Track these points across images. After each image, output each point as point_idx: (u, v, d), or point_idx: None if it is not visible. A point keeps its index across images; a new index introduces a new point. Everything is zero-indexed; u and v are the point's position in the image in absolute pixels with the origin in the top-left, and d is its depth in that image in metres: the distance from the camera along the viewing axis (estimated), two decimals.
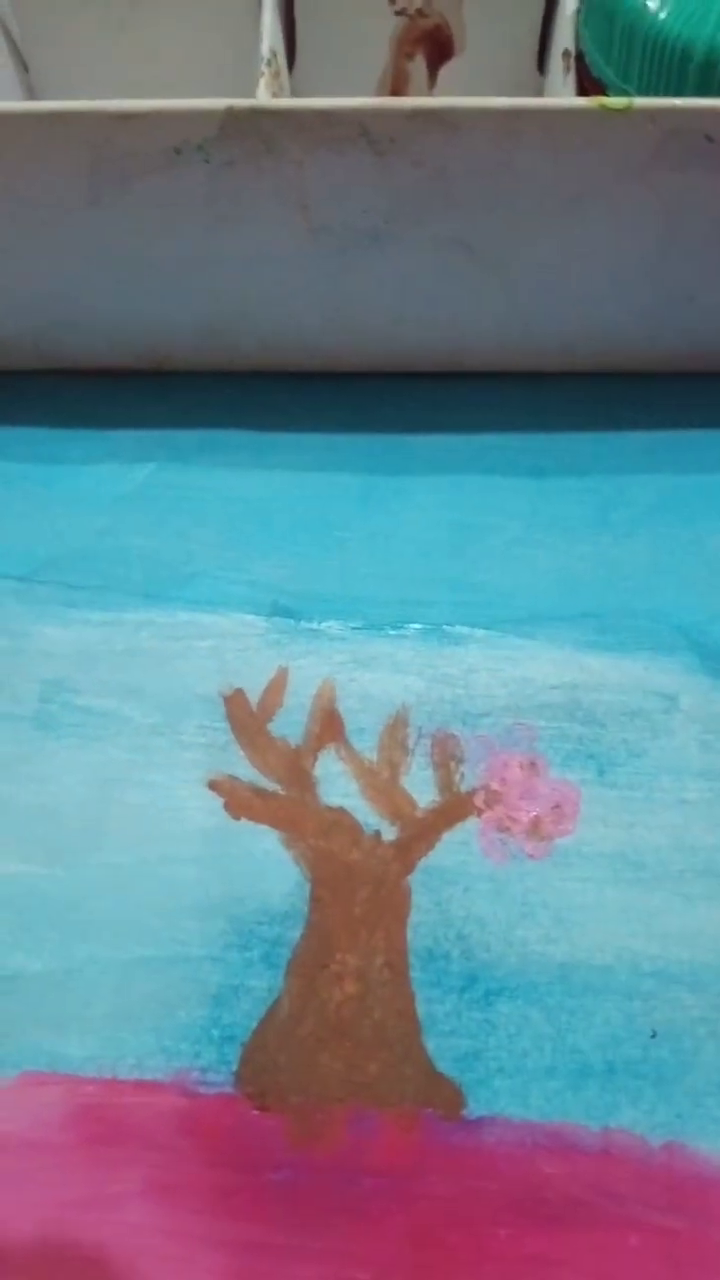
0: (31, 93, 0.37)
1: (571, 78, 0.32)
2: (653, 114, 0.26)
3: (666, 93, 0.28)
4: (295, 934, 0.26)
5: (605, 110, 0.26)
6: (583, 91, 0.31)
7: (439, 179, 0.27)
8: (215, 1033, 0.25)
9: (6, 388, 0.34)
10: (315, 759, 0.28)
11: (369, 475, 0.33)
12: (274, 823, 0.27)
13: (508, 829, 0.27)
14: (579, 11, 0.32)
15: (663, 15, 0.28)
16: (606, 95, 0.30)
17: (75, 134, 0.26)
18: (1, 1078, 0.24)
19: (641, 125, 0.26)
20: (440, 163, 0.27)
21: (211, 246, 0.29)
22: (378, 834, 0.27)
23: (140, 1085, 0.24)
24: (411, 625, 0.30)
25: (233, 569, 0.31)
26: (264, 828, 0.27)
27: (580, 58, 0.31)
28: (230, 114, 0.26)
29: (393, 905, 0.26)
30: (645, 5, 0.28)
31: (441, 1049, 0.25)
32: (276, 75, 0.31)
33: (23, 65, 0.36)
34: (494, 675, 0.29)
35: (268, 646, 0.30)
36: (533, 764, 0.28)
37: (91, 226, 0.28)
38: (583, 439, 0.33)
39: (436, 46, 0.35)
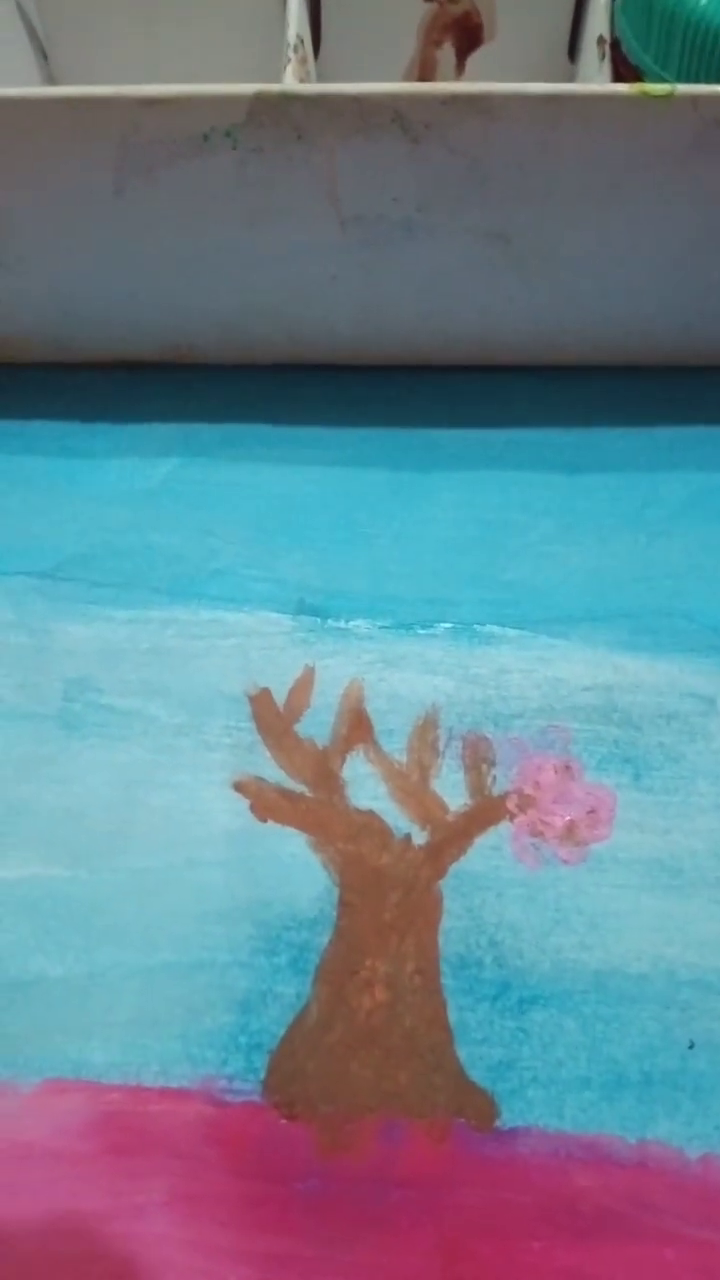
0: (52, 81, 0.36)
1: (607, 65, 0.31)
2: (695, 101, 0.25)
3: (707, 80, 0.28)
4: (324, 939, 0.26)
5: (647, 97, 0.25)
6: (619, 79, 0.31)
7: (474, 167, 0.26)
8: (242, 1040, 0.25)
9: (29, 380, 0.34)
10: (343, 760, 0.28)
11: (397, 471, 0.32)
12: (301, 825, 0.27)
13: (541, 833, 0.27)
14: None
15: (703, 2, 0.27)
16: (644, 83, 0.29)
17: (101, 120, 0.26)
18: (24, 1084, 0.24)
19: (683, 113, 0.25)
20: (476, 151, 0.26)
21: (238, 236, 0.29)
22: (408, 838, 0.27)
23: (165, 1093, 0.24)
24: (441, 624, 0.30)
25: (258, 566, 0.31)
26: (291, 830, 0.27)
27: (616, 45, 0.31)
28: (259, 99, 0.25)
29: (423, 910, 0.26)
30: None
31: (474, 1058, 0.24)
32: (303, 62, 0.31)
33: (43, 54, 0.36)
34: (526, 676, 0.29)
35: (294, 645, 0.30)
36: (567, 767, 0.27)
37: (117, 216, 0.28)
38: (616, 435, 0.33)
39: (465, 34, 0.34)
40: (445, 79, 0.35)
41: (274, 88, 0.25)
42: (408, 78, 0.35)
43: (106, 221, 0.28)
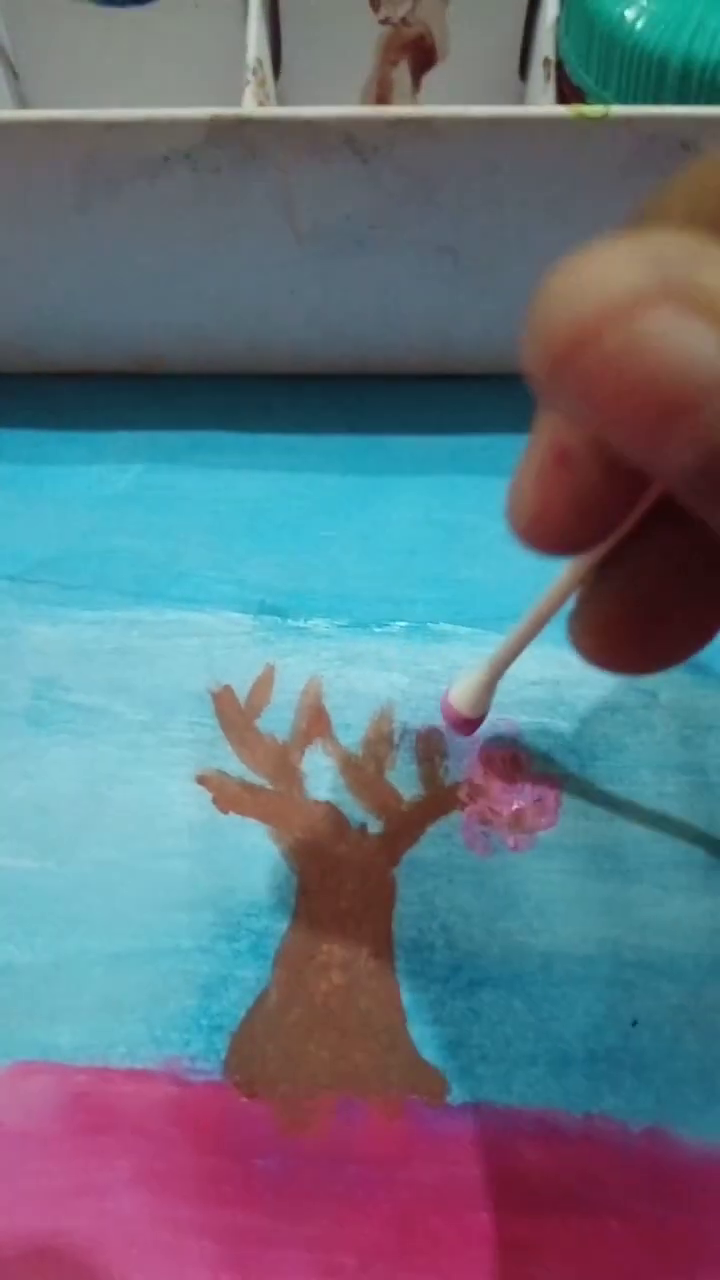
0: (22, 100, 0.37)
1: (552, 85, 0.32)
2: (629, 121, 0.26)
3: (645, 100, 0.29)
4: (283, 926, 0.26)
5: (583, 118, 0.26)
6: (563, 98, 0.32)
7: (422, 185, 0.27)
8: (204, 1022, 0.25)
9: None
10: (302, 754, 0.29)
11: (355, 476, 0.33)
12: (262, 817, 0.28)
13: (490, 822, 0.28)
14: (559, 20, 0.33)
15: (640, 25, 0.28)
16: (586, 102, 0.31)
17: (64, 142, 0.26)
18: None
19: (618, 132, 0.26)
20: (423, 170, 0.27)
21: (199, 252, 0.30)
22: (364, 827, 0.28)
23: (131, 1074, 0.25)
24: (397, 623, 0.31)
25: (221, 568, 0.32)
26: (252, 822, 0.28)
27: (560, 65, 0.32)
28: (215, 123, 0.26)
29: (378, 897, 0.27)
30: (623, 15, 0.29)
31: (425, 1037, 0.25)
32: (262, 84, 0.32)
33: (13, 73, 0.36)
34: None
35: (255, 644, 0.30)
36: (515, 758, 0.28)
37: (80, 232, 0.29)
38: None
39: (420, 54, 0.35)
40: (402, 97, 0.36)
41: (229, 112, 0.26)
42: (366, 96, 0.37)
43: (72, 238, 0.29)
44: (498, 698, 0.26)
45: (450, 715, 0.26)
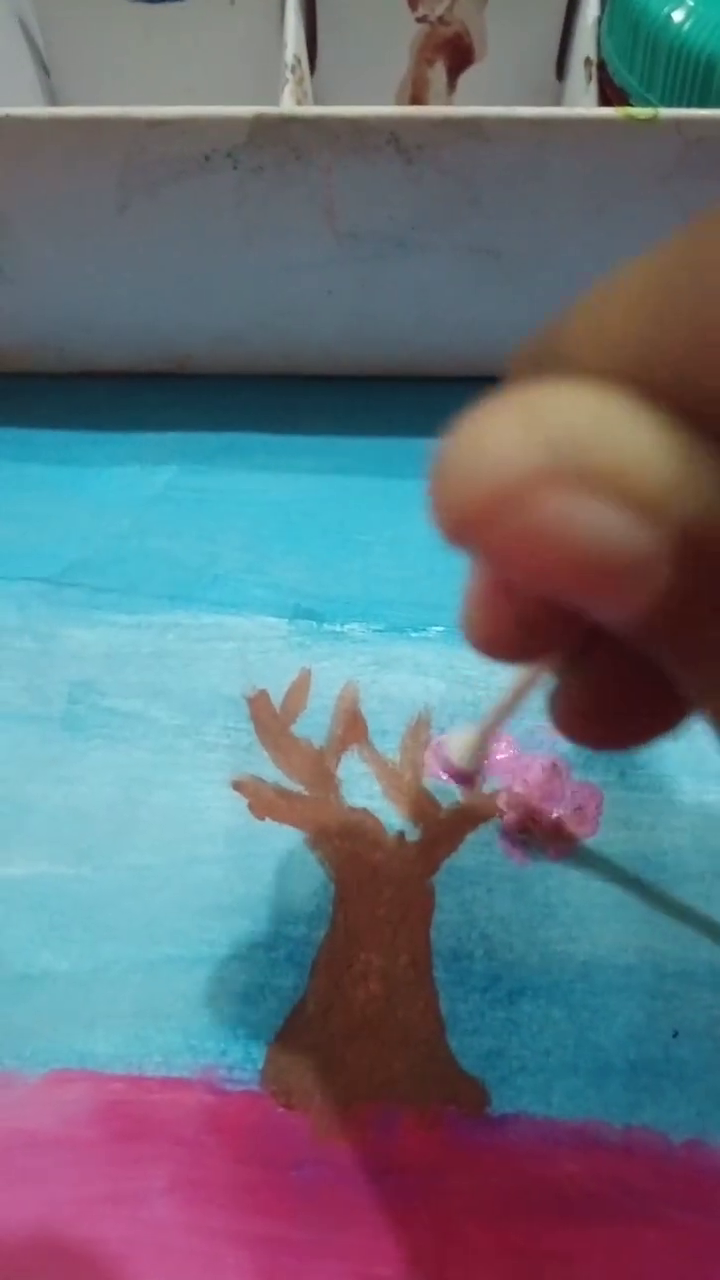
0: (53, 97, 0.37)
1: (594, 86, 0.32)
2: (678, 124, 0.26)
3: (690, 102, 0.29)
4: (320, 934, 0.26)
5: (631, 120, 0.26)
6: (605, 99, 0.32)
7: (466, 187, 0.27)
8: (241, 1031, 0.25)
9: (32, 390, 0.35)
10: (338, 760, 0.28)
11: (390, 479, 0.33)
12: (298, 823, 0.28)
13: (530, 830, 0.27)
14: (600, 20, 0.32)
15: (687, 26, 0.28)
16: (629, 103, 0.30)
17: (107, 140, 0.26)
18: (30, 1074, 0.25)
19: (666, 135, 0.26)
20: (468, 171, 0.27)
21: (238, 252, 0.29)
22: (401, 835, 0.27)
23: (167, 1082, 0.25)
24: (433, 628, 0.30)
25: (255, 571, 0.31)
26: (288, 828, 0.28)
27: (602, 66, 0.32)
28: (259, 122, 0.26)
29: (416, 905, 0.26)
30: (669, 16, 0.28)
31: (465, 1047, 0.25)
32: (300, 82, 0.31)
33: (45, 69, 0.36)
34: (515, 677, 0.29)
35: (290, 649, 0.30)
36: (554, 766, 0.28)
37: (118, 231, 0.29)
38: None
39: (457, 53, 0.35)
40: (438, 96, 0.36)
41: (274, 111, 0.26)
42: (401, 95, 0.36)
43: (109, 237, 0.29)
44: (537, 704, 0.26)
45: (447, 768, 0.26)
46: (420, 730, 0.29)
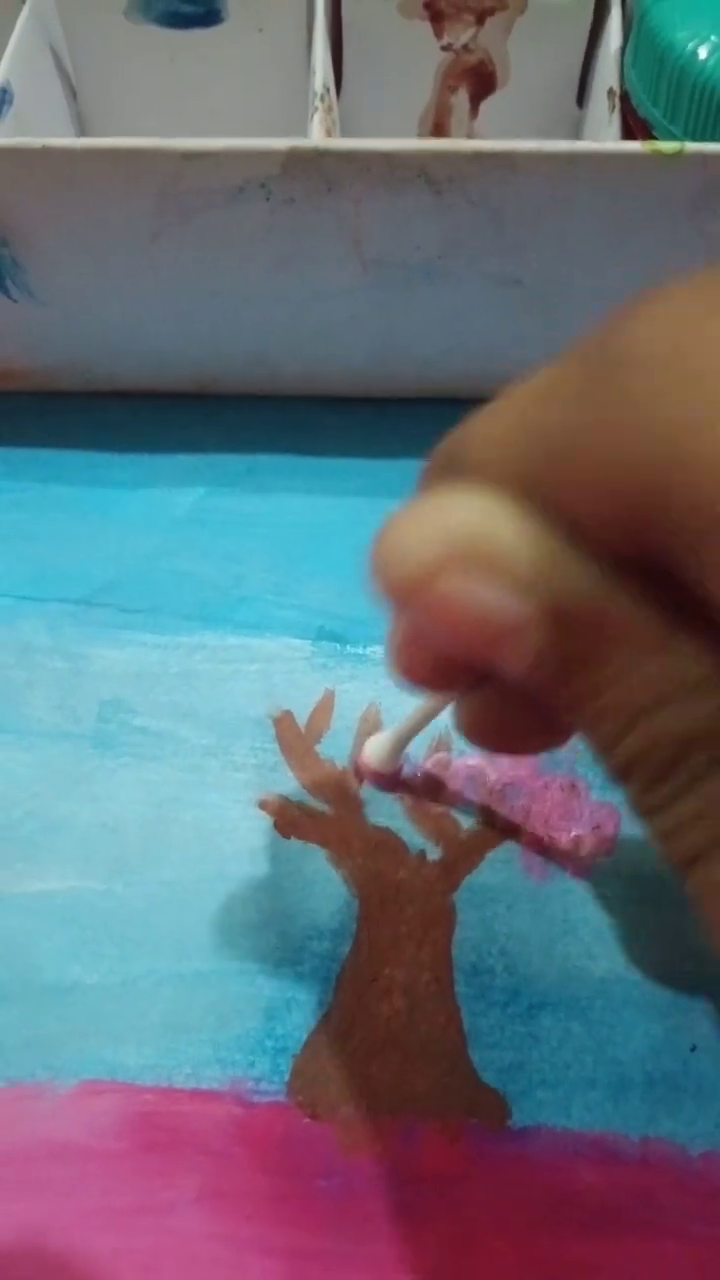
0: (80, 120, 0.37)
1: (617, 117, 0.32)
2: (704, 159, 0.26)
3: (714, 137, 0.29)
4: (344, 949, 0.27)
5: (657, 154, 0.26)
6: (628, 130, 0.32)
7: (494, 218, 0.28)
8: (269, 1044, 0.26)
9: (59, 411, 0.35)
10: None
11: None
12: (322, 841, 0.28)
13: (549, 849, 0.28)
14: (622, 51, 0.33)
15: (712, 61, 0.29)
16: (652, 135, 0.31)
17: (143, 170, 0.27)
18: (61, 1085, 0.25)
19: (692, 169, 0.27)
20: (496, 203, 0.27)
21: (266, 279, 0.30)
22: (423, 853, 0.28)
23: (195, 1094, 0.25)
24: None
25: (280, 593, 0.32)
26: (313, 846, 0.28)
27: (625, 97, 0.32)
28: (293, 154, 0.26)
29: (438, 922, 0.27)
30: (694, 52, 0.29)
31: (486, 1061, 0.25)
32: (329, 110, 0.32)
33: (72, 92, 0.37)
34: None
35: (314, 670, 0.31)
36: (573, 786, 0.29)
37: (150, 258, 0.29)
38: None
39: (480, 80, 0.36)
40: (460, 122, 0.37)
41: (308, 144, 0.26)
42: (424, 120, 0.37)
43: (140, 263, 0.29)
44: None
45: (367, 772, 0.28)
46: (440, 753, 0.29)
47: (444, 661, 0.17)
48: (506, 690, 0.17)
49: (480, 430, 0.15)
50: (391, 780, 0.28)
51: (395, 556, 0.15)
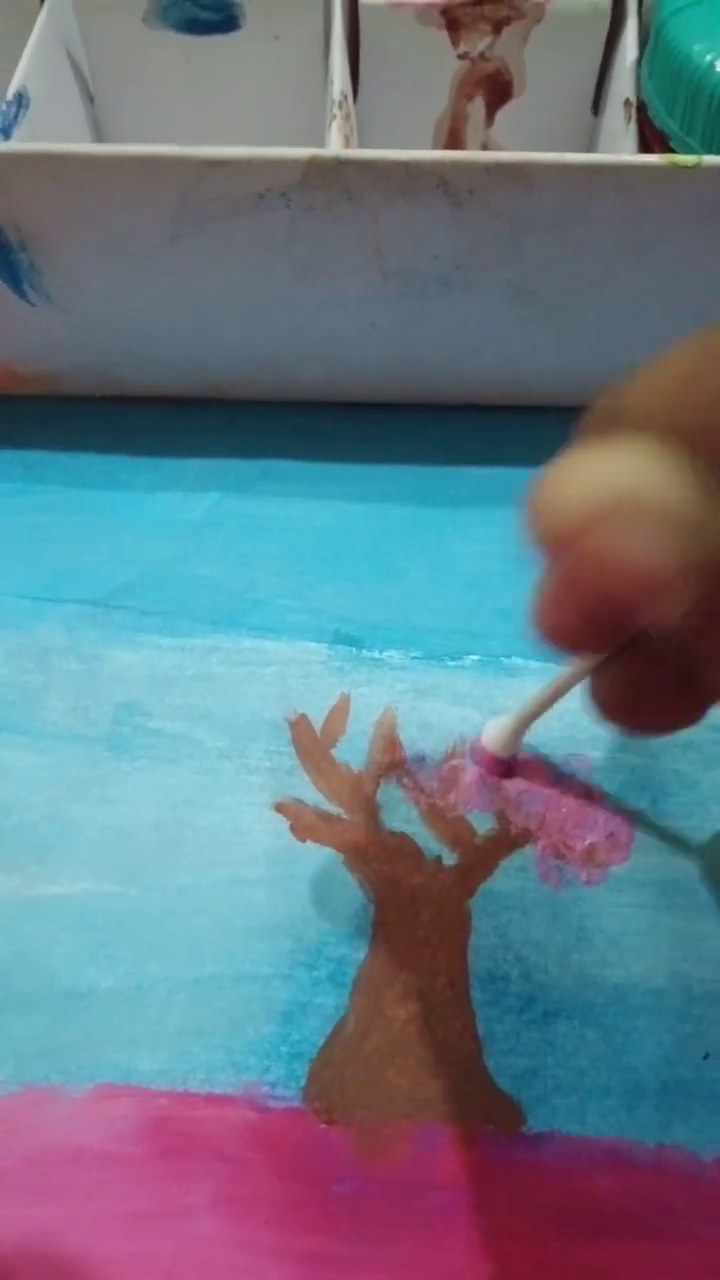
0: (97, 125, 0.37)
1: (633, 127, 0.32)
2: None
3: None
4: (361, 954, 0.27)
5: (675, 166, 0.27)
6: (644, 141, 0.32)
7: (511, 229, 0.28)
8: (284, 1049, 0.26)
9: (78, 414, 0.35)
10: (377, 785, 0.29)
11: (427, 506, 0.34)
12: (338, 846, 0.28)
13: (564, 856, 0.28)
14: (639, 62, 0.33)
15: None
16: (669, 146, 0.31)
17: (164, 178, 0.27)
18: (76, 1090, 0.25)
19: (709, 181, 0.27)
20: (514, 214, 0.27)
21: (285, 286, 0.30)
22: (439, 859, 0.28)
23: (211, 1099, 0.25)
24: (470, 656, 0.31)
25: (296, 597, 0.32)
26: (329, 850, 0.28)
27: (642, 108, 0.32)
28: (313, 163, 0.26)
29: (454, 928, 0.27)
30: (711, 64, 0.29)
31: (501, 1067, 0.25)
32: (348, 118, 0.32)
33: (89, 97, 0.37)
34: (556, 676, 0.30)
35: (330, 674, 0.31)
36: (588, 793, 0.29)
37: (170, 264, 0.29)
38: None
39: (496, 88, 0.36)
40: (476, 130, 0.37)
41: (328, 153, 0.26)
42: (440, 129, 0.37)
43: (160, 269, 0.29)
44: (571, 733, 0.27)
45: (483, 758, 0.28)
46: (456, 759, 0.29)
47: (592, 618, 0.17)
48: (647, 656, 0.17)
49: (645, 383, 0.15)
50: (507, 766, 0.28)
51: (556, 505, 0.15)
